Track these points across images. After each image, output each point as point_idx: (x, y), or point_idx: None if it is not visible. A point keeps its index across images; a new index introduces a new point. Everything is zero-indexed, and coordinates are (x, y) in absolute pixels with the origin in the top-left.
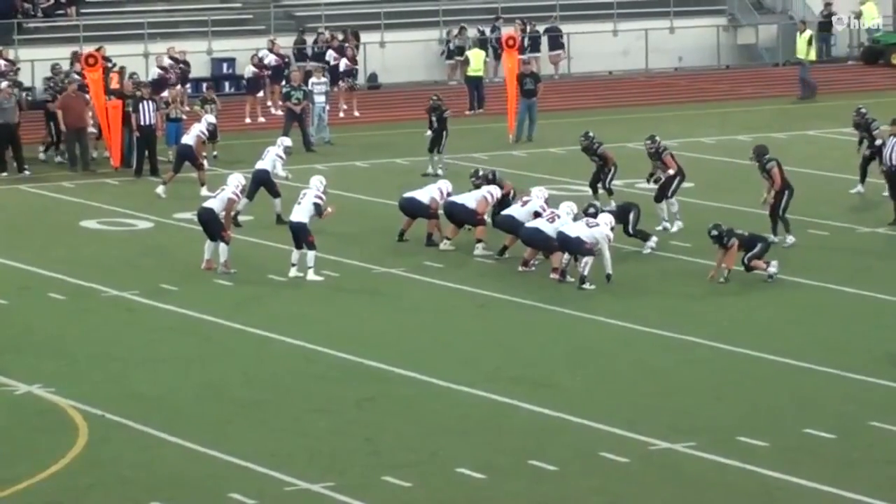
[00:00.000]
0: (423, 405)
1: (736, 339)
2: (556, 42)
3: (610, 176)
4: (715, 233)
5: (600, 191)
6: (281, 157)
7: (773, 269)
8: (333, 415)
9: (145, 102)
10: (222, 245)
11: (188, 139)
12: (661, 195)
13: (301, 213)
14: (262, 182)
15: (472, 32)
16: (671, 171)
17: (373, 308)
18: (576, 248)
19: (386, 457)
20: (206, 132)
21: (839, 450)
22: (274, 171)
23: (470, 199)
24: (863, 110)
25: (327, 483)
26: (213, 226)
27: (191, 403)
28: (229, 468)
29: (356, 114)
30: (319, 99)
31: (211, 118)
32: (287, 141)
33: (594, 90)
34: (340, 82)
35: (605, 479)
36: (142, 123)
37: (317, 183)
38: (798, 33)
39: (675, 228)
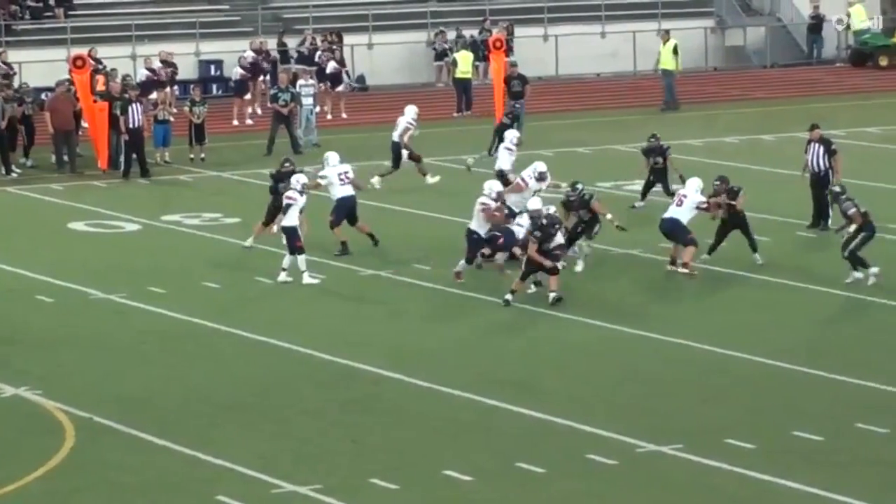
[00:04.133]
0: (410, 407)
1: (723, 341)
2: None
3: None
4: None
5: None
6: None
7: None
8: (320, 417)
9: (133, 105)
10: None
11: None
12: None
13: (293, 217)
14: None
15: (459, 35)
16: (609, 216)
17: (359, 311)
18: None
19: (372, 459)
20: None
21: (826, 452)
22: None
23: None
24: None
25: (314, 485)
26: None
27: (178, 406)
28: (216, 471)
29: (344, 116)
30: (307, 101)
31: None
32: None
33: (582, 92)
34: (339, 87)
35: (593, 481)
36: (130, 126)
37: (293, 182)
38: (662, 43)
39: (578, 268)
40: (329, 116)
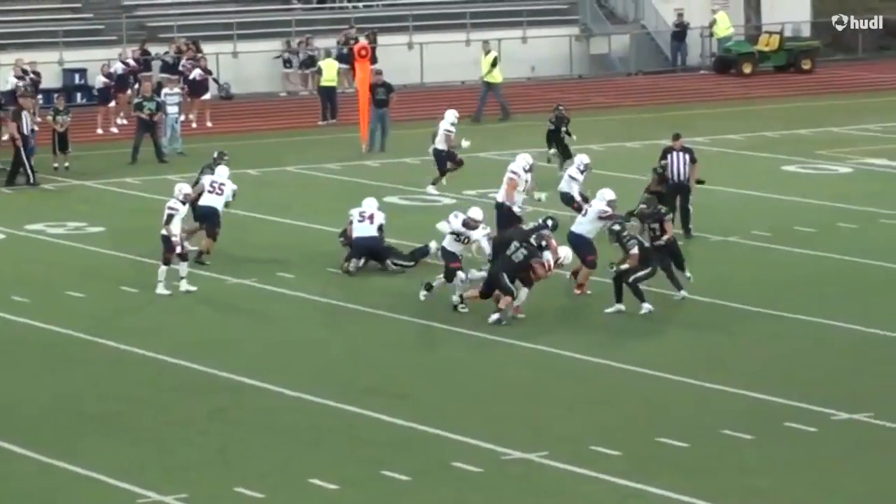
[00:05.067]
0: (276, 416)
1: (588, 349)
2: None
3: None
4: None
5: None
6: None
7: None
8: (186, 426)
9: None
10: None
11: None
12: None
13: (175, 226)
14: None
15: (323, 43)
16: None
17: (225, 319)
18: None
19: (238, 468)
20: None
21: (692, 458)
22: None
23: None
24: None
25: (180, 495)
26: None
27: (43, 416)
28: (81, 481)
29: (209, 124)
30: (172, 110)
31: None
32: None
33: (447, 100)
34: (205, 95)
35: (459, 488)
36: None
37: (176, 191)
38: (483, 54)
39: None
40: (194, 125)
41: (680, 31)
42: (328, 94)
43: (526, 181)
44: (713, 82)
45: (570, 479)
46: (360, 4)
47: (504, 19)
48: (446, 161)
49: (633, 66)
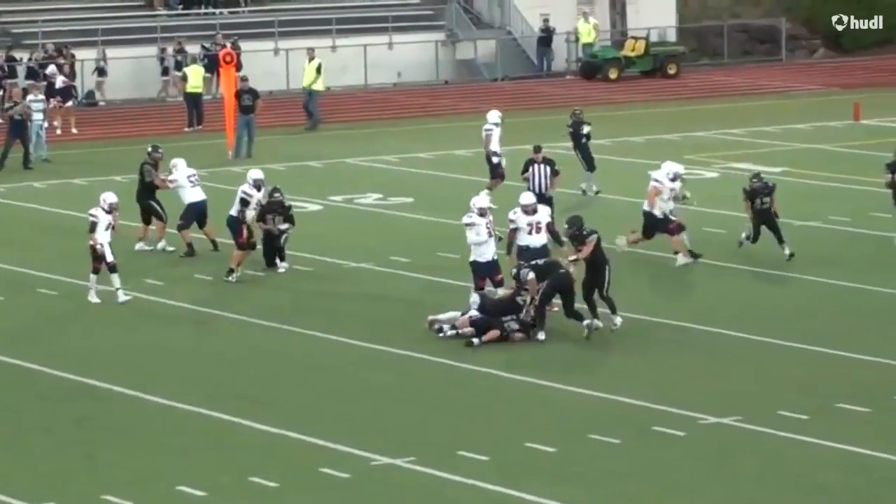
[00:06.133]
0: (144, 423)
1: (455, 354)
2: None
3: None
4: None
5: None
6: None
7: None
8: (53, 434)
9: None
10: None
11: None
12: None
13: (101, 235)
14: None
15: (190, 49)
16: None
17: (91, 326)
18: None
19: (106, 475)
20: None
21: (560, 462)
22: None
23: None
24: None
25: (47, 503)
26: None
27: None
28: None
29: (74, 131)
30: (37, 116)
31: None
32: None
33: None
34: (57, 101)
35: (326, 494)
36: None
37: (101, 200)
38: (307, 61)
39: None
40: (59, 132)
41: (546, 37)
42: (194, 100)
43: (672, 189)
44: (579, 87)
45: (438, 484)
46: (226, 11)
47: (370, 25)
48: (496, 166)
49: (499, 72)
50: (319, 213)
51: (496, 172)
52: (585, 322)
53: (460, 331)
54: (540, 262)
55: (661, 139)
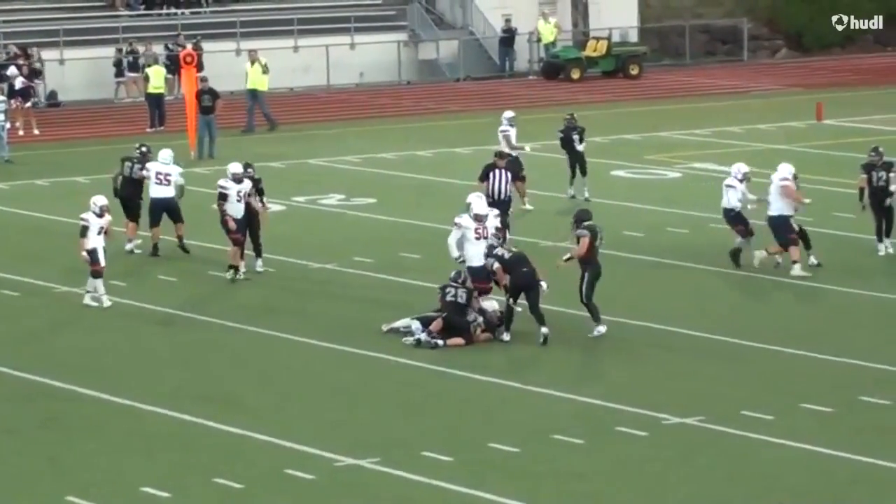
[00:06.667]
0: (108, 424)
1: (418, 355)
2: None
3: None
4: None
5: None
6: None
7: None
8: (17, 435)
9: None
10: None
11: None
12: None
13: (93, 239)
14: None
15: (155, 49)
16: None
17: (55, 327)
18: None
19: (70, 477)
20: None
21: (524, 463)
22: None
23: None
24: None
25: None
26: None
27: None
28: None
29: (36, 132)
30: None
31: None
32: None
33: (276, 107)
34: (17, 101)
35: (291, 496)
36: None
37: (91, 204)
38: (249, 64)
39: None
40: (21, 133)
41: (508, 37)
42: (156, 101)
43: (742, 192)
44: (541, 88)
45: (402, 485)
46: (188, 11)
47: (332, 25)
48: (521, 164)
49: (461, 72)
50: (283, 214)
51: (519, 176)
52: (543, 330)
53: (433, 333)
54: (506, 254)
55: (624, 139)
